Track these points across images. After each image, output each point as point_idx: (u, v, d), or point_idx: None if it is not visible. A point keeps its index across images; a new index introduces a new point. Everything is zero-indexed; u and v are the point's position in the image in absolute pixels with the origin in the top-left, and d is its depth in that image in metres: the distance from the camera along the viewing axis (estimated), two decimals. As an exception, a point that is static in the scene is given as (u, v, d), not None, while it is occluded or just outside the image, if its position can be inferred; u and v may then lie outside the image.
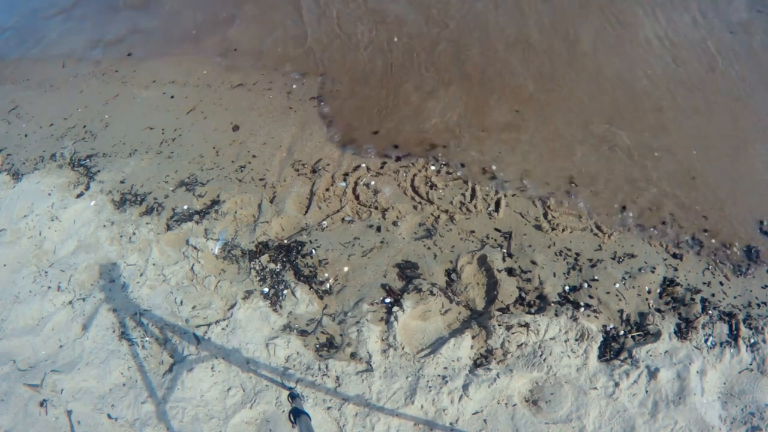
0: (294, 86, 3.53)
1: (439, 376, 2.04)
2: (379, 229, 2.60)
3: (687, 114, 3.11)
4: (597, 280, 2.32)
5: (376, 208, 2.70)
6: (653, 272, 2.34)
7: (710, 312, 2.21)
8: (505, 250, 2.45)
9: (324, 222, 2.65)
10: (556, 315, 2.18)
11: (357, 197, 2.77)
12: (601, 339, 2.13)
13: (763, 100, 3.17)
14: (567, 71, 3.38)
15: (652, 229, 2.45)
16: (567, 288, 2.31)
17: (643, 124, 3.03)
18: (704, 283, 2.33)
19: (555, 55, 3.49)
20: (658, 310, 2.24)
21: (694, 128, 3.03)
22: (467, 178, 2.81)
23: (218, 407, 2.06)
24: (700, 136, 2.99)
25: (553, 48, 3.53)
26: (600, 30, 3.65)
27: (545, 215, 2.61)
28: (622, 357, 2.08)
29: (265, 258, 2.52)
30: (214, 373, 2.14)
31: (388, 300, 2.31)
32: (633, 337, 2.15)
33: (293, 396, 1.65)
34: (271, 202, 2.80)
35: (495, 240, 2.51)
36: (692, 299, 2.25)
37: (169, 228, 2.75)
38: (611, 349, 2.13)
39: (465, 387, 1.99)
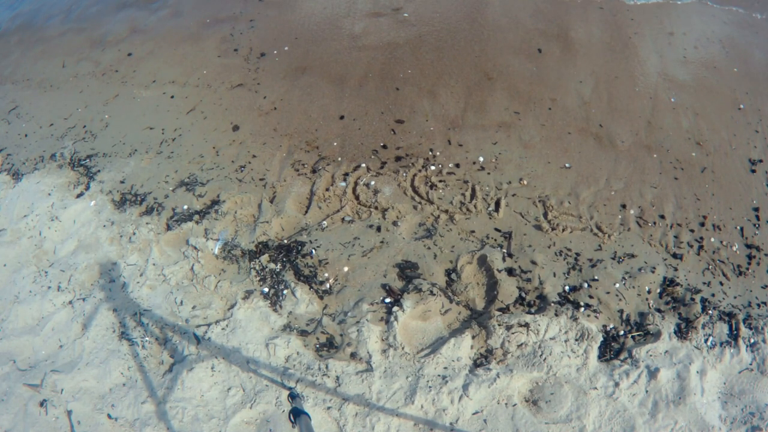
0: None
1: (439, 376, 2.04)
2: (379, 229, 2.60)
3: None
4: (597, 280, 2.32)
5: (376, 208, 2.69)
6: (653, 272, 2.34)
7: (710, 312, 2.21)
8: (505, 250, 2.45)
9: (324, 222, 2.65)
10: (556, 315, 2.18)
11: (357, 197, 2.77)
12: (601, 339, 2.13)
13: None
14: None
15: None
16: (567, 288, 2.31)
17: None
18: (704, 283, 2.33)
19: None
20: (658, 310, 2.24)
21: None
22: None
23: (218, 407, 2.06)
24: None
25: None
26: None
27: (545, 215, 2.61)
28: (622, 357, 2.09)
29: (265, 258, 2.52)
30: (214, 373, 2.14)
31: (388, 300, 2.31)
32: (633, 337, 2.15)
33: (293, 396, 1.65)
34: (271, 202, 2.80)
35: (495, 240, 2.51)
36: (692, 299, 2.25)
37: (169, 228, 2.75)
38: (611, 349, 2.13)
39: (465, 387, 1.99)
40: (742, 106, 3.15)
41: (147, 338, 2.32)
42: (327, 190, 2.81)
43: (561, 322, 2.16)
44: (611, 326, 2.18)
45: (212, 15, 4.39)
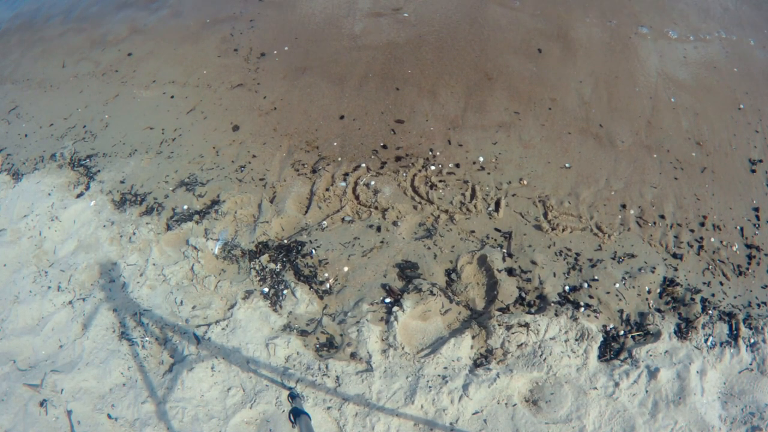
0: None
1: (439, 376, 2.04)
2: (379, 229, 2.60)
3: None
4: (597, 280, 2.32)
5: (376, 208, 2.70)
6: (653, 272, 2.34)
7: (710, 312, 2.21)
8: (505, 250, 2.45)
9: (324, 222, 2.65)
10: (556, 315, 2.18)
11: (357, 197, 2.77)
12: (601, 339, 2.13)
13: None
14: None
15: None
16: (567, 288, 2.31)
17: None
18: (704, 283, 2.33)
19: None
20: (658, 310, 2.24)
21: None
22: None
23: (218, 407, 2.06)
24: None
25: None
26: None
27: (545, 215, 2.61)
28: (622, 357, 2.09)
29: (265, 258, 2.52)
30: (214, 373, 2.14)
31: (388, 300, 2.31)
32: (633, 337, 2.16)
33: (293, 396, 1.65)
34: (271, 202, 2.80)
35: (495, 240, 2.51)
36: (692, 299, 2.25)
37: (169, 228, 2.75)
38: (611, 349, 2.13)
39: (465, 387, 1.99)
40: (742, 106, 3.15)
41: (147, 338, 2.32)
42: (327, 190, 2.81)
43: (561, 322, 2.16)
44: (611, 326, 2.18)
45: (212, 15, 4.39)
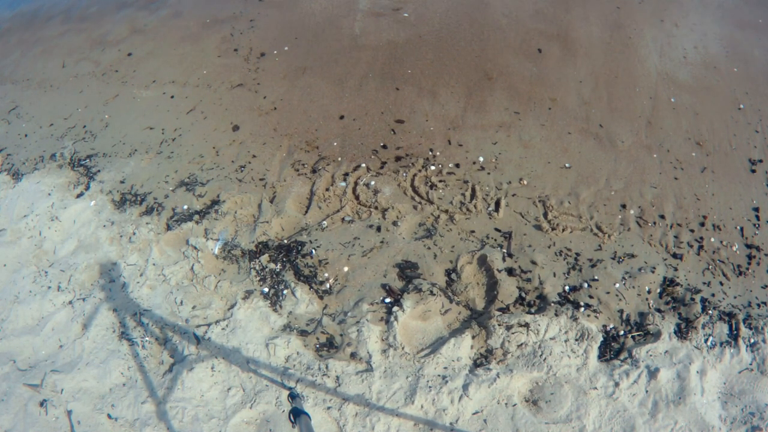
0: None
1: (439, 376, 2.04)
2: (379, 229, 2.60)
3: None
4: (597, 280, 2.32)
5: (376, 208, 2.69)
6: (653, 272, 2.34)
7: (710, 312, 2.21)
8: (505, 250, 2.45)
9: (324, 222, 2.65)
10: (556, 315, 2.18)
11: (357, 197, 2.77)
12: (601, 339, 2.13)
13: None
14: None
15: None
16: (567, 288, 2.31)
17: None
18: (704, 283, 2.33)
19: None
20: (658, 310, 2.24)
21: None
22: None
23: (218, 407, 2.06)
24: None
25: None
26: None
27: (545, 215, 2.61)
28: (622, 357, 2.09)
29: (265, 258, 2.52)
30: (214, 373, 2.14)
31: (388, 300, 2.31)
32: (633, 337, 2.15)
33: (293, 396, 1.65)
34: (271, 202, 2.80)
35: (495, 240, 2.51)
36: (692, 299, 2.25)
37: (169, 228, 2.75)
38: (611, 349, 2.13)
39: (465, 387, 1.99)
40: (742, 106, 3.15)
41: (147, 338, 2.32)
42: (327, 190, 2.81)
43: (561, 322, 2.16)
44: (611, 326, 2.18)
45: (212, 15, 4.39)
